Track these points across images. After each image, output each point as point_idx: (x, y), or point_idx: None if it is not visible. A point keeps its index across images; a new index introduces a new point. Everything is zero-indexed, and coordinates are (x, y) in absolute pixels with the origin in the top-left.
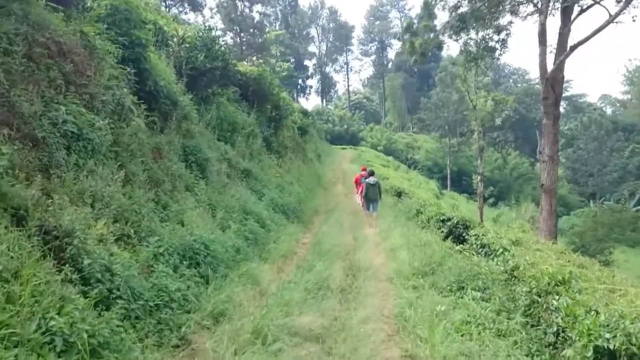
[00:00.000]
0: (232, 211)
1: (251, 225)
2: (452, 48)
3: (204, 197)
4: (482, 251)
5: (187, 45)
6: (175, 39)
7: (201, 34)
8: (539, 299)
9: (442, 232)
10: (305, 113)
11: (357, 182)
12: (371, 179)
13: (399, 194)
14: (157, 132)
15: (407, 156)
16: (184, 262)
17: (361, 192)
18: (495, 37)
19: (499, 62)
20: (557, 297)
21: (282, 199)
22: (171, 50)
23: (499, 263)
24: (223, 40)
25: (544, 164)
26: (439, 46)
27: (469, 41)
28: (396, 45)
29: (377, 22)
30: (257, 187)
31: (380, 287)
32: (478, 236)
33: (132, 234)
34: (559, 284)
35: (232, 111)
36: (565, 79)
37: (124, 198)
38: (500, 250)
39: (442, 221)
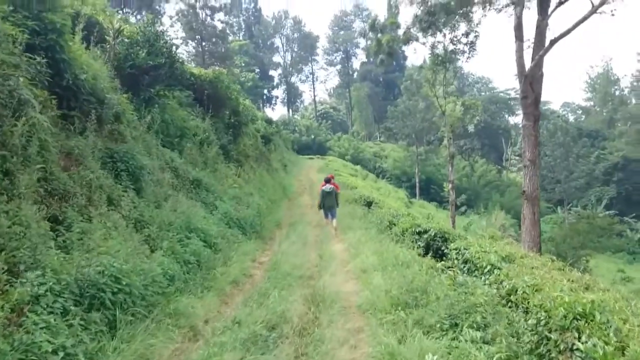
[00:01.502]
0: (169, 229)
1: (194, 245)
2: (417, 55)
3: (133, 212)
4: (464, 267)
5: (127, 40)
6: (111, 32)
7: (143, 28)
8: (551, 336)
9: (419, 246)
10: (269, 122)
11: None
12: (327, 187)
13: (369, 204)
14: (74, 133)
15: (374, 165)
16: (79, 305)
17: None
18: (464, 40)
19: (462, 71)
20: (577, 336)
21: (239, 212)
22: (107, 45)
23: (487, 282)
24: (169, 37)
25: (525, 168)
26: (407, 42)
27: (437, 44)
28: (361, 55)
29: (342, 32)
30: (209, 199)
31: (350, 328)
32: (459, 250)
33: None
34: (578, 317)
35: (181, 115)
36: None
37: (4, 217)
38: (488, 267)
39: (418, 233)
